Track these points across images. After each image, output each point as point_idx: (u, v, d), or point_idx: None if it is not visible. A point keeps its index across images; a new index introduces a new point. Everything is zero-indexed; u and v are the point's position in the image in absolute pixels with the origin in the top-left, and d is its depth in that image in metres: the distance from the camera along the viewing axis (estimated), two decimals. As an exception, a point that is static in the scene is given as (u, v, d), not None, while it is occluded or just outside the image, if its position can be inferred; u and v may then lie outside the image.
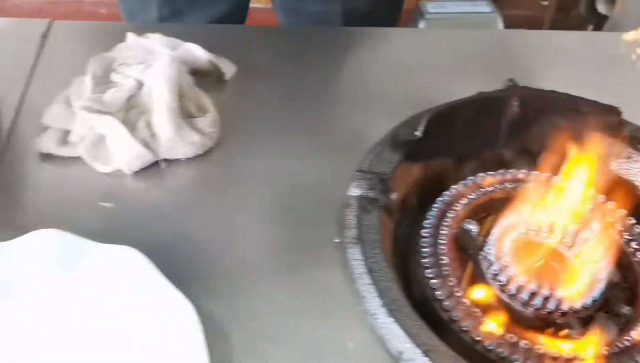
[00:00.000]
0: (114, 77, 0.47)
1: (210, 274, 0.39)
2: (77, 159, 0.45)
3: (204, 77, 0.51)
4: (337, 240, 0.40)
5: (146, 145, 0.43)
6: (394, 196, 0.41)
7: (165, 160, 0.44)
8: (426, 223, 0.43)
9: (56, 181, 0.44)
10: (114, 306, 0.35)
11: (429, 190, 0.45)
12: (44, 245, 0.36)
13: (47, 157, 0.45)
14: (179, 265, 0.38)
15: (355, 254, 0.38)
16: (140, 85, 0.46)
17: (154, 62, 0.47)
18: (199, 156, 0.45)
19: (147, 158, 0.43)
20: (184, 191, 0.44)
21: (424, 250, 0.41)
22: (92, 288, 0.36)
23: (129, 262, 0.36)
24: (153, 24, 0.61)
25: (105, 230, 0.40)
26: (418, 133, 0.45)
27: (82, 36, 0.56)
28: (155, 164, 0.44)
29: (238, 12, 0.76)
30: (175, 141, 0.44)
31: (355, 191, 0.41)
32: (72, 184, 0.44)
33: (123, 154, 0.43)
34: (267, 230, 0.42)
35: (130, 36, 0.51)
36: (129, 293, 0.35)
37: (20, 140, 0.46)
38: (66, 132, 0.45)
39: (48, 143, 0.44)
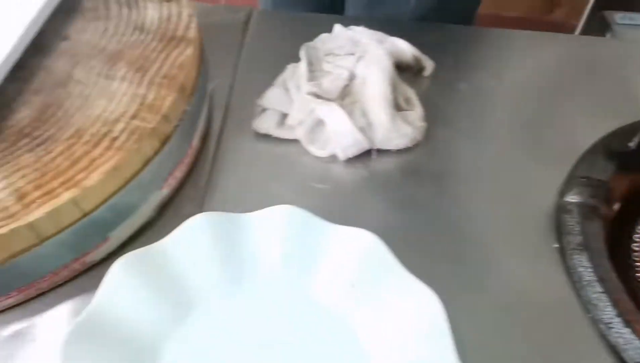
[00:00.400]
0: (324, 66, 0.49)
1: (422, 266, 0.40)
2: (290, 141, 0.47)
3: (402, 71, 0.52)
4: (557, 246, 0.40)
5: (363, 134, 0.45)
6: (616, 206, 0.41)
7: (377, 150, 0.46)
8: (636, 236, 0.42)
9: (272, 160, 0.46)
10: (355, 290, 0.37)
11: (631, 203, 0.45)
12: (284, 220, 0.38)
13: (262, 137, 0.47)
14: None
15: (582, 261, 0.38)
16: (352, 75, 0.48)
17: (365, 54, 0.49)
18: (404, 149, 0.47)
19: (364, 146, 0.45)
20: (392, 181, 0.45)
21: (637, 264, 0.41)
22: (330, 268, 0.38)
23: (367, 246, 0.37)
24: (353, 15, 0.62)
25: (320, 211, 0.42)
26: (632, 145, 0.44)
27: (281, 24, 0.58)
28: (365, 153, 0.46)
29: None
30: (390, 132, 0.45)
31: (575, 197, 0.41)
32: (287, 164, 0.46)
33: (342, 140, 0.44)
34: (477, 226, 0.43)
35: (337, 27, 0.52)
36: (369, 278, 0.37)
37: (235, 120, 0.49)
38: (283, 115, 0.47)
39: (268, 124, 0.47)
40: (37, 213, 0.33)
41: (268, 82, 0.51)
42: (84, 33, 0.43)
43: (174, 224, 0.42)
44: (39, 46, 0.42)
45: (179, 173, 0.43)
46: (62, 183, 0.35)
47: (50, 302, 0.38)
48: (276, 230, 0.38)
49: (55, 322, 0.37)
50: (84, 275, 0.39)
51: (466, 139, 0.48)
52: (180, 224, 0.38)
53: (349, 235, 0.38)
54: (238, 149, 0.47)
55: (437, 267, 0.40)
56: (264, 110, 0.48)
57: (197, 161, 0.46)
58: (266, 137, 0.47)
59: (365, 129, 0.45)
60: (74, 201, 0.34)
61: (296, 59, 0.52)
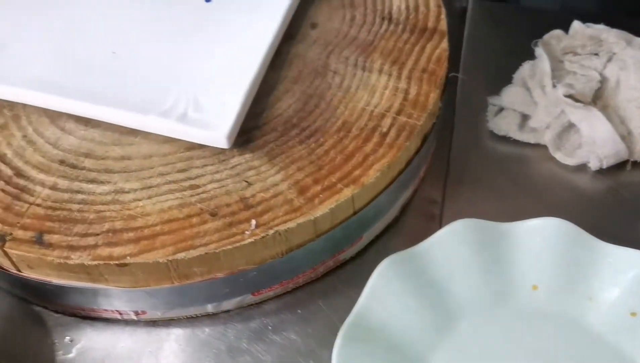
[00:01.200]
0: (567, 65, 0.46)
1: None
2: (530, 144, 0.44)
3: None
4: None
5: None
6: None
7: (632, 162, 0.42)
8: None
9: (511, 164, 0.43)
10: (637, 320, 0.34)
11: None
12: (552, 234, 0.35)
13: (498, 138, 0.44)
14: None
15: None
16: (601, 77, 0.44)
17: (612, 55, 0.45)
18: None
19: (623, 156, 0.41)
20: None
21: None
22: (605, 291, 0.35)
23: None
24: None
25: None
26: None
27: (498, 16, 0.55)
28: (615, 164, 0.42)
29: None
30: (657, 144, 0.41)
31: None
32: (528, 169, 0.43)
33: (601, 149, 0.41)
34: None
35: (576, 24, 0.48)
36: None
37: (464, 118, 0.46)
38: (524, 117, 0.44)
39: (507, 126, 0.44)
40: (321, 209, 0.32)
41: (496, 78, 0.47)
42: (331, 21, 0.42)
43: (414, 225, 0.41)
44: (290, 33, 0.41)
45: (422, 172, 0.41)
46: (340, 179, 0.33)
47: (303, 297, 0.37)
48: (544, 244, 0.36)
49: (304, 318, 0.37)
50: (333, 273, 0.38)
51: None
52: (439, 229, 0.36)
53: (628, 256, 0.35)
54: (473, 149, 0.45)
55: None
56: (501, 109, 0.45)
57: (432, 160, 0.44)
58: (502, 138, 0.45)
59: (624, 137, 0.41)
60: (352, 199, 0.33)
61: (523, 54, 0.48)
